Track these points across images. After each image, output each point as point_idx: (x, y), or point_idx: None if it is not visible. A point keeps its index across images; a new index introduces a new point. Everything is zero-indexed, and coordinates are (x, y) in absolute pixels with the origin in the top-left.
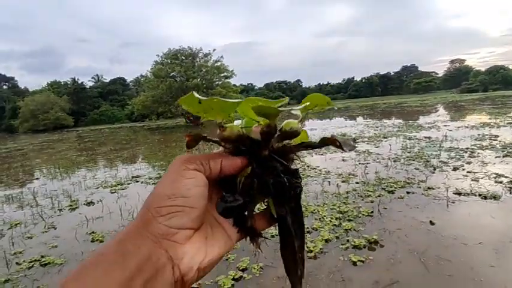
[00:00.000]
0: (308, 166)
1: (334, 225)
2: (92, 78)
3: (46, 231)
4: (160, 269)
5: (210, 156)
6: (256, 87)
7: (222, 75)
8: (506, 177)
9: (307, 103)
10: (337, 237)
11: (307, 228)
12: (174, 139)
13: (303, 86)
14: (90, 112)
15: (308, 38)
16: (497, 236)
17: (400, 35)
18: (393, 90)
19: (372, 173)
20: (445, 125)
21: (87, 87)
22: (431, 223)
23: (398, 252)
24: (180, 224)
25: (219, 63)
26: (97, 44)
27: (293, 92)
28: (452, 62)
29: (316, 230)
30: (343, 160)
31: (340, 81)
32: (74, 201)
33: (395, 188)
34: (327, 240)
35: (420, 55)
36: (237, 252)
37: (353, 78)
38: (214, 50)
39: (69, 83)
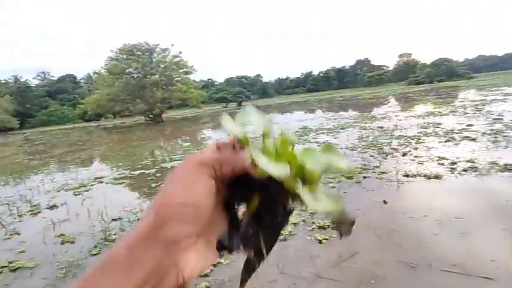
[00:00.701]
0: None
1: (301, 210)
2: (38, 75)
3: (9, 238)
4: (166, 274)
5: (223, 159)
6: (216, 83)
7: (182, 70)
8: (447, 159)
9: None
10: (303, 221)
11: None
12: (135, 138)
13: (263, 81)
14: (38, 113)
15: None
16: (440, 209)
17: (353, 30)
18: (349, 84)
19: None
20: (395, 115)
21: (33, 85)
22: (385, 202)
23: (357, 229)
24: (189, 232)
25: (178, 59)
26: (42, 38)
27: (253, 87)
28: (401, 55)
29: None
30: None
31: (298, 76)
32: (34, 205)
33: (353, 174)
34: (295, 224)
35: (372, 49)
36: None
37: (311, 72)
38: (172, 45)
39: (10, 81)
